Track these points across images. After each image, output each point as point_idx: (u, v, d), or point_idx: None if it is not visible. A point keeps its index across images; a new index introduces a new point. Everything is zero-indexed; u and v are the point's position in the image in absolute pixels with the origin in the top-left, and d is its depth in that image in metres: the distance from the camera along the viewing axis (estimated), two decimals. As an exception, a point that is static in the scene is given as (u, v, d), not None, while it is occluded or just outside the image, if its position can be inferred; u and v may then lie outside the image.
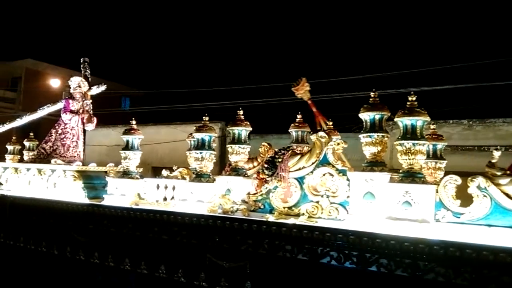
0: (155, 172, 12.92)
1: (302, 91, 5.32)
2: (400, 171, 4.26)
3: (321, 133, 4.89)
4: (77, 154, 7.84)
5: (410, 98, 4.31)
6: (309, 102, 5.35)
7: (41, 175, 7.18)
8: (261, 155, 6.11)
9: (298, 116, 6.27)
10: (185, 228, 5.21)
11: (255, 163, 6.00)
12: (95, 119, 8.00)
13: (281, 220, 4.73)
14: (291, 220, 4.60)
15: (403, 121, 4.24)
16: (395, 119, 4.33)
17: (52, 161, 7.22)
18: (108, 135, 17.13)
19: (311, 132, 5.02)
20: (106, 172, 7.06)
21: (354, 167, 4.70)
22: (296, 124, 6.21)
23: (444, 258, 3.70)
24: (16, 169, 7.64)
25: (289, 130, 6.32)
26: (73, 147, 7.82)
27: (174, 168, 7.27)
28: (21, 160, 8.73)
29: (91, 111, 8.01)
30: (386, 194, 4.23)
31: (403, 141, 4.19)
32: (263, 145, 6.15)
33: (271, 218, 4.72)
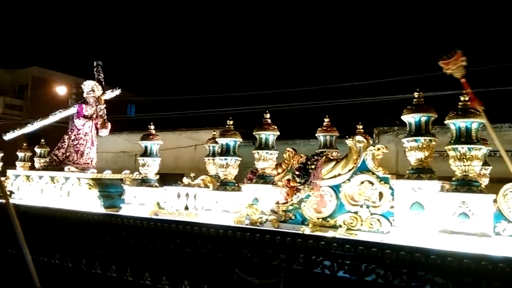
0: (161, 178, 12.49)
1: (455, 66, 4.13)
2: (453, 178, 3.77)
3: (358, 137, 4.41)
4: (91, 161, 7.40)
5: (462, 98, 3.82)
6: (463, 81, 4.12)
7: (54, 183, 6.73)
8: (286, 161, 5.65)
9: (326, 120, 5.80)
10: (210, 241, 4.74)
11: (280, 170, 5.54)
12: (109, 125, 7.56)
13: (317, 232, 4.24)
14: (329, 233, 4.11)
15: (456, 124, 3.76)
16: (446, 121, 3.85)
17: (66, 168, 6.77)
18: (114, 142, 16.74)
19: (347, 136, 4.53)
20: (121, 179, 6.63)
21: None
22: (324, 128, 5.74)
23: (511, 277, 3.20)
24: (28, 177, 7.19)
25: (316, 135, 5.85)
26: (87, 153, 7.37)
27: (192, 175, 6.83)
28: (32, 167, 8.31)
29: (105, 116, 7.57)
30: (438, 204, 3.74)
31: (456, 146, 3.71)
32: (288, 151, 5.70)
33: (307, 230, 4.23)
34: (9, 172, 7.67)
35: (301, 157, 5.88)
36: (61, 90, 22.38)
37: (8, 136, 8.48)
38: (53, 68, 25.55)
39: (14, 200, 6.86)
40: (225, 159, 5.07)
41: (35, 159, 8.18)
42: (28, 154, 8.49)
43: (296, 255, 4.16)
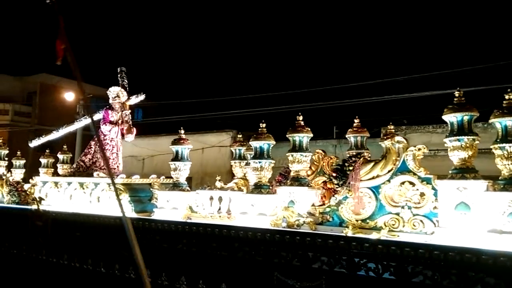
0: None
1: None
2: (500, 177, 3.69)
3: (398, 138, 4.35)
4: (117, 166, 7.39)
5: (507, 97, 3.75)
6: None
7: (83, 189, 6.72)
8: (315, 162, 5.60)
9: (356, 120, 5.73)
10: (248, 244, 4.69)
11: (309, 172, 5.50)
12: (134, 130, 7.55)
13: (359, 234, 4.18)
14: (373, 235, 4.05)
15: (502, 122, 3.69)
16: (491, 120, 3.78)
17: (95, 174, 6.76)
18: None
19: (384, 137, 4.46)
20: (150, 184, 6.61)
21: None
22: (355, 129, 5.66)
23: None
24: (56, 183, 7.19)
25: (347, 136, 5.78)
26: (113, 159, 7.36)
27: (217, 178, 6.79)
28: (54, 173, 8.32)
29: (131, 121, 7.56)
30: (485, 204, 3.66)
31: (503, 144, 3.64)
32: (318, 152, 5.66)
33: (349, 232, 4.17)
34: (37, 179, 7.68)
35: (331, 158, 5.84)
36: (69, 96, 22.53)
37: (34, 143, 8.52)
38: (60, 75, 25.64)
39: (43, 206, 6.87)
40: (259, 162, 5.02)
41: (58, 165, 8.20)
42: (51, 160, 8.52)
43: (339, 257, 4.10)
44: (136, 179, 6.57)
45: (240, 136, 7.00)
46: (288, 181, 5.09)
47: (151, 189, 6.50)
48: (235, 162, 6.82)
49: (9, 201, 7.76)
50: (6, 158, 8.51)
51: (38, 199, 6.80)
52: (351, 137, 5.68)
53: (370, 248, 3.90)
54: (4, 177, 8.13)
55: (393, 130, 5.51)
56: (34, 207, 6.84)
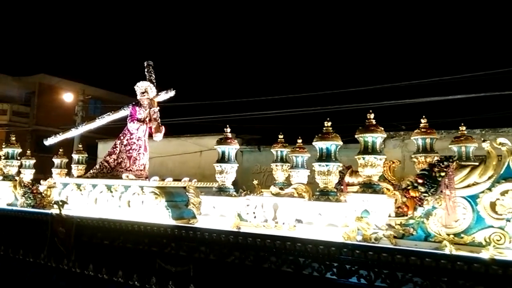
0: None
1: None
2: None
3: (500, 140, 3.71)
4: (144, 167, 6.68)
5: None
6: None
7: (111, 192, 5.99)
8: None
9: (423, 121, 5.10)
10: (317, 259, 4.01)
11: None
12: (163, 128, 6.82)
13: (460, 252, 3.53)
14: (483, 254, 3.39)
15: None
16: None
17: (124, 176, 6.03)
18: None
19: (483, 139, 3.82)
20: (184, 188, 5.92)
21: None
22: (423, 130, 5.03)
23: None
24: (78, 185, 6.44)
25: (412, 138, 5.16)
26: (140, 159, 6.65)
27: (255, 182, 6.18)
28: (68, 174, 7.63)
29: (159, 119, 6.85)
30: None
31: None
32: (377, 156, 5.00)
33: (453, 250, 3.52)
34: (57, 180, 6.94)
35: (393, 162, 5.23)
36: (67, 97, 21.85)
37: (50, 141, 7.79)
38: (60, 75, 25.12)
39: (65, 211, 6.13)
40: (327, 165, 4.34)
41: (73, 165, 7.52)
42: (65, 160, 7.84)
43: (437, 279, 3.44)
44: (169, 182, 5.84)
45: (282, 136, 6.33)
46: (359, 187, 4.43)
47: (187, 193, 5.83)
48: (276, 165, 6.16)
49: (24, 204, 7.01)
50: (19, 158, 7.76)
51: (60, 203, 6.05)
52: (418, 139, 5.05)
53: (481, 269, 3.25)
54: (17, 178, 7.39)
55: (465, 132, 4.92)
56: (55, 211, 6.10)
